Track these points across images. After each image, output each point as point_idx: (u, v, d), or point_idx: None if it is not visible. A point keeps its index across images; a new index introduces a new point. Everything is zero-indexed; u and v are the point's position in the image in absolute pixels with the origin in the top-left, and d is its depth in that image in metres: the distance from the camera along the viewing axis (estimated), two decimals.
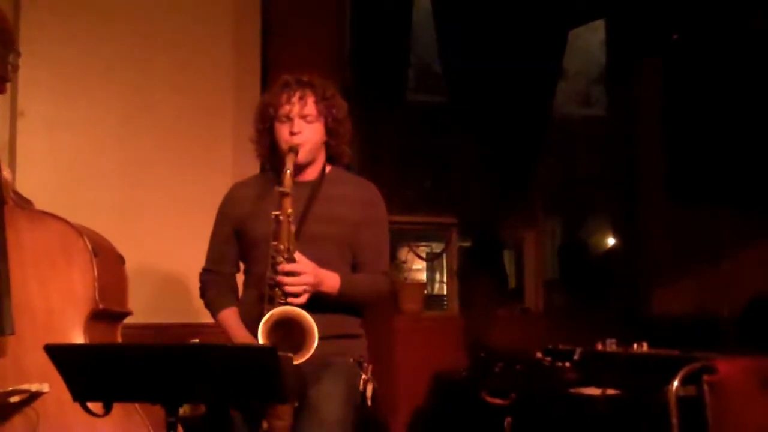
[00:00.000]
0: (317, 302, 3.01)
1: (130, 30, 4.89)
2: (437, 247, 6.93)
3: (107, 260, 3.28)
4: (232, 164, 4.92)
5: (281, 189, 2.97)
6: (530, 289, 6.69)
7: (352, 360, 3.21)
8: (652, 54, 6.06)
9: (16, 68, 3.52)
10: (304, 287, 2.97)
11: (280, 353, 2.31)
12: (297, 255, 2.99)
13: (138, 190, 4.83)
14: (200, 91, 5.04)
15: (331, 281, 3.10)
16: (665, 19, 5.68)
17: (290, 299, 2.95)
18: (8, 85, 3.48)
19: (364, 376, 3.21)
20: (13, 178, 4.31)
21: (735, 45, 5.17)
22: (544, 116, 6.16)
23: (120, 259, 3.44)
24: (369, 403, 3.21)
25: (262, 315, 2.95)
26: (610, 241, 7.79)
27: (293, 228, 3.00)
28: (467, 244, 6.50)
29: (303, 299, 2.98)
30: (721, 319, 5.50)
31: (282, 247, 2.96)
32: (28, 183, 4.26)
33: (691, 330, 5.34)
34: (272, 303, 2.96)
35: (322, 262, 3.06)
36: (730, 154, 5.16)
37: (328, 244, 3.19)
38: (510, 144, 5.94)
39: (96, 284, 3.14)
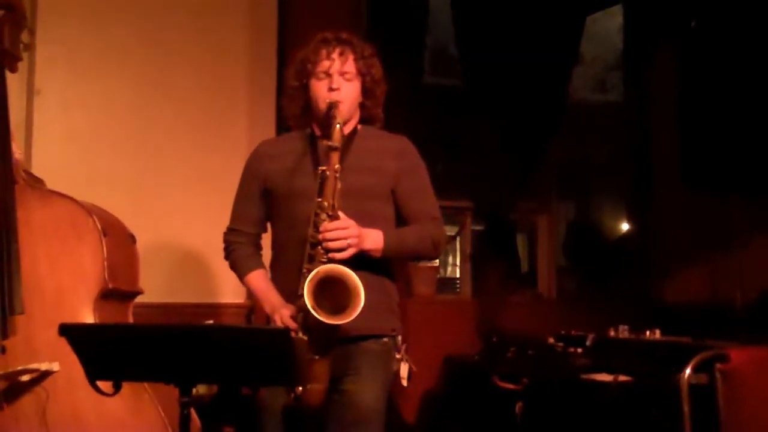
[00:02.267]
0: (357, 267, 2.84)
1: (145, 8, 4.91)
2: (450, 231, 6.91)
3: (117, 239, 3.28)
4: (247, 141, 4.91)
5: (330, 143, 2.87)
6: (543, 274, 6.68)
7: (386, 339, 3.11)
8: (669, 40, 6.03)
9: (28, 47, 3.53)
10: (348, 242, 2.85)
11: (294, 336, 2.32)
12: (339, 213, 2.87)
13: (153, 168, 4.84)
14: (215, 70, 5.06)
15: (373, 237, 2.97)
16: (683, 4, 5.64)
17: (332, 254, 2.82)
18: (25, 63, 3.50)
19: (398, 355, 3.13)
20: (30, 157, 4.36)
21: (752, 31, 5.13)
22: (560, 101, 6.14)
23: (131, 238, 3.45)
24: (404, 383, 3.15)
25: (300, 274, 2.83)
26: (624, 227, 7.78)
27: (339, 185, 2.86)
28: (480, 227, 6.49)
29: (347, 254, 2.85)
30: (734, 308, 5.48)
31: (326, 204, 2.85)
32: (44, 161, 4.31)
33: (704, 318, 5.32)
34: (312, 262, 2.83)
35: (361, 216, 2.93)
36: (746, 141, 5.12)
37: (365, 196, 3.05)
38: (525, 128, 5.92)
39: (105, 263, 3.14)
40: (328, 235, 2.82)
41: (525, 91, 5.88)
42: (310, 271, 2.78)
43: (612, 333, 4.62)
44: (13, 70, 3.45)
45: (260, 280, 3.17)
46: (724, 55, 5.25)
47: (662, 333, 4.46)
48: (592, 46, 7.19)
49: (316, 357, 2.83)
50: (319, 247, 2.85)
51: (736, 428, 3.76)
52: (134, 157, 4.80)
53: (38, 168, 3.56)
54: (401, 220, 3.19)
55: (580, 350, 4.68)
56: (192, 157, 4.93)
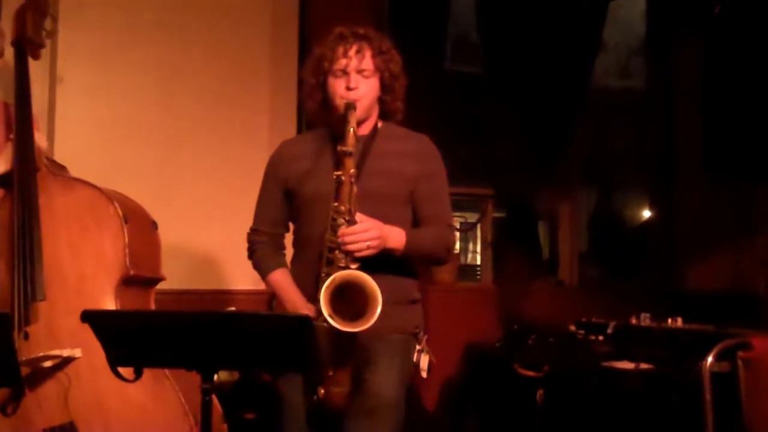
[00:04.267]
0: (376, 264, 2.88)
1: None
2: (471, 218, 6.91)
3: (139, 226, 3.30)
4: (269, 131, 4.94)
5: (344, 148, 2.84)
6: (564, 262, 6.66)
7: (408, 333, 3.13)
8: (692, 25, 5.99)
9: (51, 35, 3.55)
10: (368, 243, 2.85)
11: (317, 323, 2.32)
12: (358, 215, 2.87)
13: (175, 156, 4.85)
14: (238, 58, 5.05)
15: (396, 236, 2.98)
16: None
17: (353, 255, 2.83)
18: (48, 51, 3.52)
19: (418, 347, 3.12)
20: (52, 144, 4.37)
21: None
22: (582, 87, 6.11)
23: (153, 225, 3.46)
24: (424, 375, 3.13)
25: (319, 277, 2.85)
26: (646, 215, 7.74)
27: (355, 189, 2.86)
28: (502, 214, 6.48)
29: (367, 253, 2.85)
30: (757, 296, 5.46)
31: (343, 208, 2.85)
32: (66, 148, 4.32)
33: (727, 306, 5.29)
34: (331, 266, 2.85)
35: (379, 219, 2.93)
36: None
37: (384, 200, 3.06)
38: (547, 115, 5.90)
39: (127, 250, 3.16)
40: (347, 239, 2.84)
41: (547, 78, 5.85)
42: (328, 275, 2.80)
43: (634, 320, 4.60)
44: (36, 57, 3.47)
45: (282, 279, 3.19)
46: (748, 41, 5.21)
47: (684, 321, 4.45)
48: (615, 31, 7.13)
49: (336, 369, 2.86)
50: (337, 252, 2.86)
51: (758, 416, 3.75)
52: (156, 145, 4.81)
53: (61, 155, 3.57)
54: (415, 221, 3.20)
55: (601, 338, 4.66)
56: (213, 146, 4.93)
